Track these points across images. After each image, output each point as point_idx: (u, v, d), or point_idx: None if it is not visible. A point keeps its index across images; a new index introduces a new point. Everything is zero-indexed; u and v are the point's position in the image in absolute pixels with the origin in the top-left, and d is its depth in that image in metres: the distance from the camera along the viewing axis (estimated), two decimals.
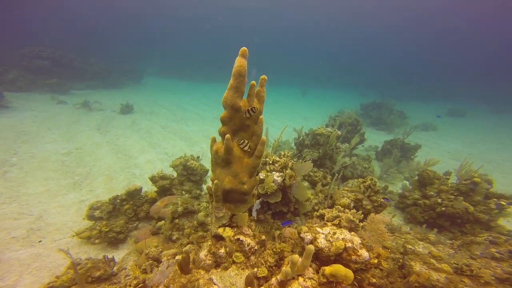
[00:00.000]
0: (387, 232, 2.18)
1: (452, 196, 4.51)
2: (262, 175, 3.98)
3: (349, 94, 28.51)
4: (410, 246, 3.81)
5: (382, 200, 4.31)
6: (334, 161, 6.19)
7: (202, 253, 2.51)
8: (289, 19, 46.85)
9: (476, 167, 4.91)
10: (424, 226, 4.33)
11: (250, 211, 3.06)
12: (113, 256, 2.92)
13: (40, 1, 35.26)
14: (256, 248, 2.61)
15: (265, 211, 4.06)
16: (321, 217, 2.75)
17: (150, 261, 2.74)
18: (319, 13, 41.98)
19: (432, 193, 4.81)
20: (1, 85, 12.12)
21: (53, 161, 6.26)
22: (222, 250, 2.49)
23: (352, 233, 2.38)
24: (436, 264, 3.04)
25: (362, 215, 2.59)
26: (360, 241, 2.20)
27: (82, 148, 7.29)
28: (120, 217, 3.86)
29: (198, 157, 5.63)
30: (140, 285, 2.02)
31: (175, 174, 5.34)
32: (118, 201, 4.01)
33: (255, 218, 3.30)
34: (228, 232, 2.60)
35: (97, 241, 3.53)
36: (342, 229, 2.42)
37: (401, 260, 2.99)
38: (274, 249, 2.88)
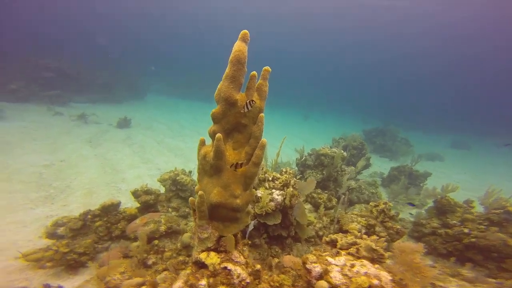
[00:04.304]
0: (427, 266, 1.60)
1: (482, 226, 3.89)
2: (260, 192, 3.43)
3: (351, 119, 28.42)
4: (440, 283, 3.11)
5: (398, 227, 3.72)
6: (338, 183, 5.65)
7: (177, 285, 1.91)
8: (296, 43, 47.71)
9: (504, 195, 4.33)
10: (453, 260, 3.65)
11: (243, 233, 2.47)
12: (58, 284, 2.26)
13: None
14: (248, 280, 2.00)
15: (260, 235, 3.45)
16: (332, 243, 2.18)
17: None
18: (325, 38, 42.52)
19: (454, 221, 4.21)
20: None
21: (29, 173, 5.63)
22: (203, 282, 1.89)
23: (376, 265, 1.80)
24: None
25: (386, 243, 2.02)
26: (390, 278, 1.62)
27: (66, 160, 6.71)
28: (90, 235, 3.22)
29: (190, 172, 5.11)
30: None
31: (162, 190, 4.77)
32: (90, 216, 3.37)
33: (249, 242, 2.71)
34: (212, 259, 2.01)
35: (48, 264, 2.82)
36: (362, 260, 1.84)
37: None
38: (271, 282, 2.27)
